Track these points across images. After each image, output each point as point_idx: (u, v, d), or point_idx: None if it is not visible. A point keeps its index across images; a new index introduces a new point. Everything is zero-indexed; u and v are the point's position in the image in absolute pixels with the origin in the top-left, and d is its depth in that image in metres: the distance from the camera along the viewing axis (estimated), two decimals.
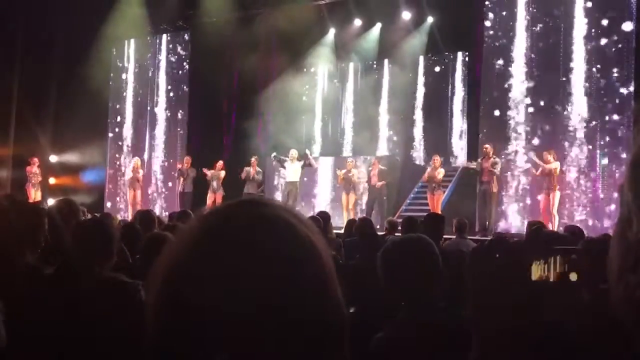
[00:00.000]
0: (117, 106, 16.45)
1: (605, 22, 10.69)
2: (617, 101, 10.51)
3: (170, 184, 15.25)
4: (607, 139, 10.54)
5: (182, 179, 13.65)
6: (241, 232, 0.73)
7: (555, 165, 10.32)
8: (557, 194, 10.34)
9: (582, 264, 0.86)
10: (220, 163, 13.57)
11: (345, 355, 0.74)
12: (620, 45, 10.58)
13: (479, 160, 11.03)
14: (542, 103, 11.18)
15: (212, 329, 0.68)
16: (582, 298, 0.85)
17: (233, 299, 0.68)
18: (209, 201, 12.91)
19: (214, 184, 13.33)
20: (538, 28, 11.32)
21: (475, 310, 0.80)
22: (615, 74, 10.56)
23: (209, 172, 13.36)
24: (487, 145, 10.98)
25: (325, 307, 0.72)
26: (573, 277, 0.86)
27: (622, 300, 0.61)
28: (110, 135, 16.48)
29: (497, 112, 11.57)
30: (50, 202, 11.44)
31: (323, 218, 6.72)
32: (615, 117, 10.51)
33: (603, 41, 10.72)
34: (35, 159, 14.66)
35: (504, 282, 0.81)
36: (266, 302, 0.68)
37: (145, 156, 15.60)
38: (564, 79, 10.96)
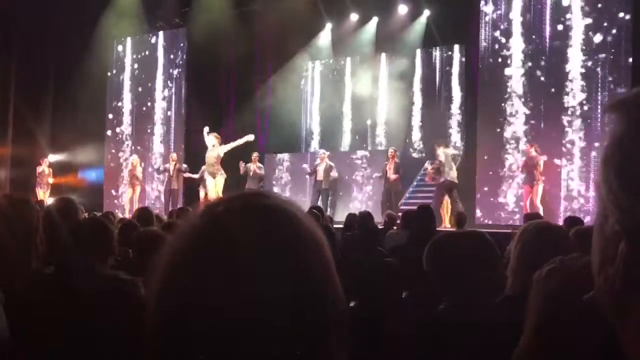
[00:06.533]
0: (115, 104, 16.43)
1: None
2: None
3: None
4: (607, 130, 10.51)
5: (167, 177, 13.65)
6: (246, 223, 0.70)
7: (541, 159, 10.39)
8: (541, 185, 10.41)
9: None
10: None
11: (346, 344, 0.74)
12: (616, 36, 10.58)
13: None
14: (539, 92, 11.20)
15: (216, 327, 0.67)
16: None
17: (239, 295, 0.67)
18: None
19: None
20: (535, 20, 11.32)
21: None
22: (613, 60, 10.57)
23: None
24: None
25: (329, 297, 0.72)
26: None
27: (603, 291, 0.63)
28: (109, 133, 16.47)
29: (494, 105, 11.58)
30: (50, 201, 11.44)
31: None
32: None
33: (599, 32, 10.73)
34: (46, 159, 14.73)
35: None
36: (273, 293, 0.67)
37: (144, 154, 15.57)
38: (565, 66, 10.96)
